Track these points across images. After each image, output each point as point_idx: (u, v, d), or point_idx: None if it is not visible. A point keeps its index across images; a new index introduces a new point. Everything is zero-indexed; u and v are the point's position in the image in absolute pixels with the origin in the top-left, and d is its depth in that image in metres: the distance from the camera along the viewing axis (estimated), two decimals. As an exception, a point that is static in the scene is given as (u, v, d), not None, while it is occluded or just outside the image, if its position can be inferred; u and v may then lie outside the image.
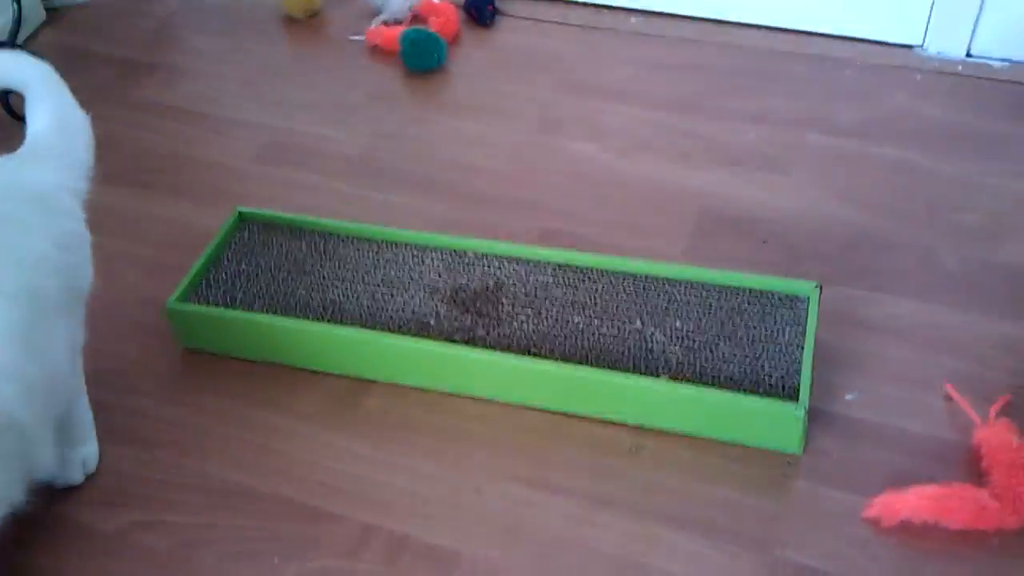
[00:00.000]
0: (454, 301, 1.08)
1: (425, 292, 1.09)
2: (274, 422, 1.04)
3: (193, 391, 1.08)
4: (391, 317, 1.07)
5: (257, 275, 1.13)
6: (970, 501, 0.88)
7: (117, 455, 1.01)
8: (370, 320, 1.07)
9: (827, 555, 0.88)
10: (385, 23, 1.58)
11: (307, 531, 0.94)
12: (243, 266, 1.14)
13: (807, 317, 1.01)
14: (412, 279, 1.11)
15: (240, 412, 1.05)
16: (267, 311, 1.08)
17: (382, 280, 1.11)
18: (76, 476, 0.97)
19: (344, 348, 1.05)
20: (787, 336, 1.00)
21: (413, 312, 1.07)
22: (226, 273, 1.13)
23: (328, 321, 1.07)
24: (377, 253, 1.14)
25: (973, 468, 0.93)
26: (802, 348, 0.98)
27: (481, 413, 1.03)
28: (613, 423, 1.00)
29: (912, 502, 0.89)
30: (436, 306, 1.07)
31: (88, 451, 0.99)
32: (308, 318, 1.07)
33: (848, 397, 1.01)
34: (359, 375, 1.07)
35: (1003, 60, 1.42)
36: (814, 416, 0.98)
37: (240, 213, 1.20)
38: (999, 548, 0.87)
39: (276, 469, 0.99)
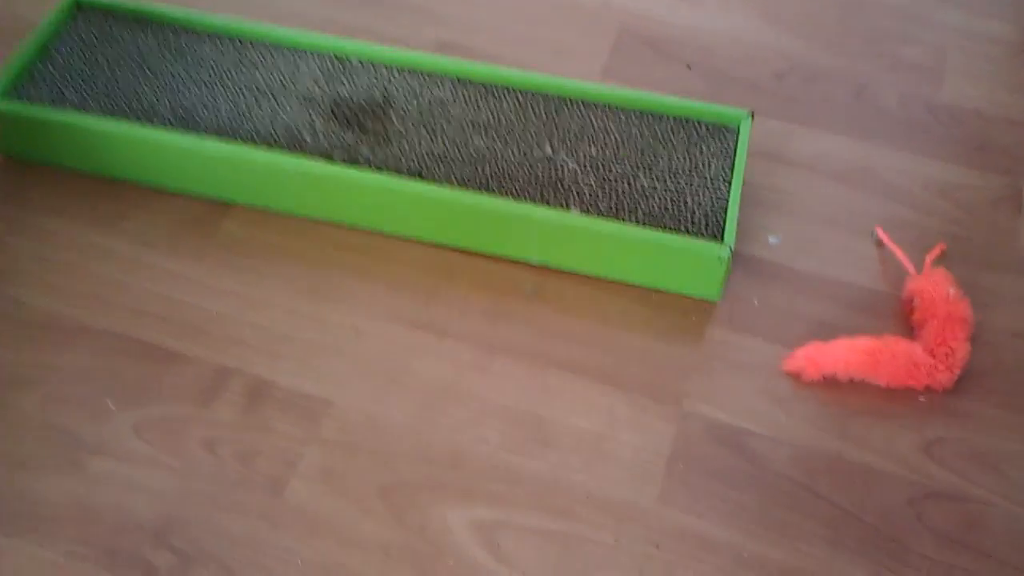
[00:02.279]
0: (334, 114, 0.92)
1: (299, 101, 0.92)
2: (113, 247, 0.88)
3: (14, 206, 0.90)
4: (257, 129, 0.90)
5: (94, 73, 0.94)
6: (901, 355, 0.80)
7: (-85, 279, 0.84)
8: (231, 131, 0.90)
9: (742, 410, 0.80)
10: None
11: (150, 373, 0.79)
12: (76, 62, 0.94)
13: (736, 148, 0.89)
14: (283, 86, 0.94)
15: (72, 234, 0.88)
16: (106, 115, 0.90)
17: (246, 85, 0.94)
18: None
19: (200, 163, 0.89)
20: (713, 169, 0.88)
21: (284, 124, 0.91)
22: (56, 68, 0.93)
23: (180, 130, 0.89)
24: (241, 52, 0.96)
25: (904, 321, 0.85)
26: (729, 183, 0.87)
27: (362, 244, 0.89)
28: (512, 261, 0.88)
29: (838, 355, 0.80)
30: (312, 118, 0.91)
31: None
32: (155, 125, 0.89)
33: (772, 240, 0.91)
34: (216, 195, 0.91)
35: None
36: (733, 260, 0.88)
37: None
38: (926, 407, 0.80)
39: (113, 302, 0.84)
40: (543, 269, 0.88)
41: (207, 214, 0.91)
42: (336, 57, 0.96)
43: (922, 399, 0.81)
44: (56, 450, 0.74)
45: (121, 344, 0.81)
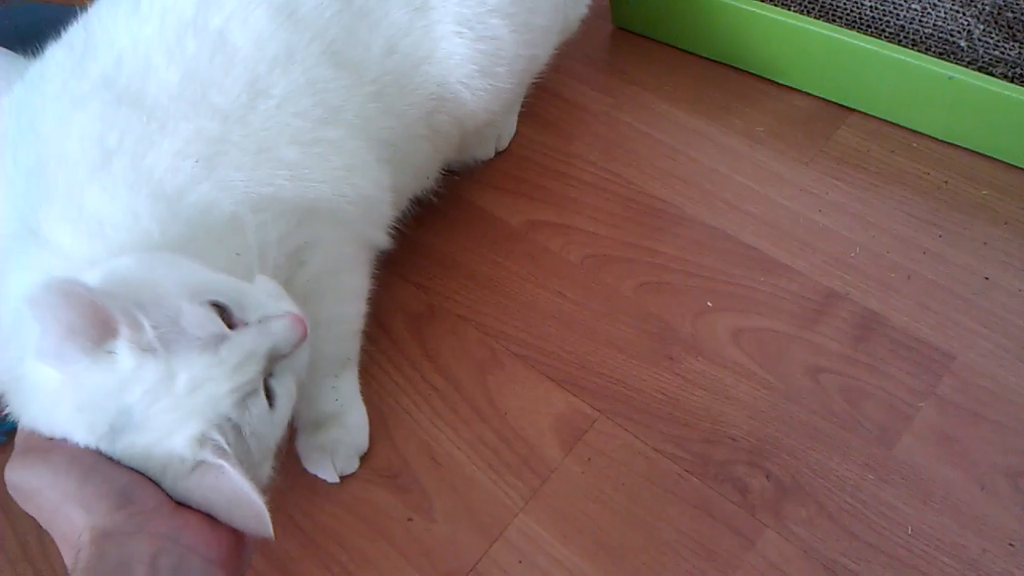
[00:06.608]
0: (996, 22, 0.78)
1: (956, 2, 0.80)
2: (717, 138, 0.83)
3: (624, 81, 0.88)
4: (901, 27, 0.79)
5: (721, -52, 0.88)
6: None
7: (529, 138, 0.85)
8: (870, 26, 0.80)
9: None
10: None
11: (748, 279, 0.74)
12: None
13: None
14: (936, -18, 0.81)
15: (678, 118, 0.85)
16: (731, -6, 0.84)
17: (893, -23, 0.82)
18: (487, 151, 0.83)
19: (826, 57, 0.80)
20: None
21: (935, 26, 0.79)
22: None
23: (810, 15, 0.81)
24: (889, -60, 0.85)
25: None
26: None
27: (1006, 183, 0.76)
28: None
29: None
30: (969, 23, 0.78)
31: (506, 125, 0.83)
32: (783, 9, 0.82)
33: None
34: (834, 98, 0.82)
35: None
36: None
37: None
38: None
39: (714, 196, 0.79)
40: None
41: (820, 117, 0.82)
42: (1003, -46, 0.81)
43: None
44: (651, 340, 0.72)
45: (718, 243, 0.76)
